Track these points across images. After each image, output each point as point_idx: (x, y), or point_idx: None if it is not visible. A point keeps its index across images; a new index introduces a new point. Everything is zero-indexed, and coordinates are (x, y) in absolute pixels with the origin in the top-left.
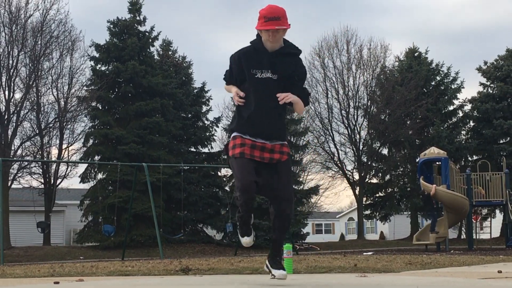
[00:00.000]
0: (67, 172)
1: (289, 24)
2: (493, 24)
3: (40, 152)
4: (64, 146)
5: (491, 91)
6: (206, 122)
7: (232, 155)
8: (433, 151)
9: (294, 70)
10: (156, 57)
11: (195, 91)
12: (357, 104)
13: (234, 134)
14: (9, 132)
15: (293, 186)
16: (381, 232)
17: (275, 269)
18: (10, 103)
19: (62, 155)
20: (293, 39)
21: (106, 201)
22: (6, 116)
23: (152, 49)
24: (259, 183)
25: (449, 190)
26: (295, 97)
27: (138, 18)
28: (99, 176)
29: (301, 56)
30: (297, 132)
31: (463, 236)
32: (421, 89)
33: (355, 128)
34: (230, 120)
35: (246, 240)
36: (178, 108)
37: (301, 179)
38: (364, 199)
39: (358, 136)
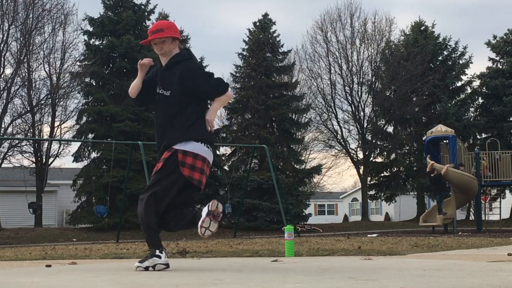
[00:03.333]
0: (59, 151)
1: (175, 33)
2: None
3: (31, 130)
4: (57, 123)
5: (500, 67)
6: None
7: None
8: (440, 129)
9: (181, 78)
10: None
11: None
12: (361, 80)
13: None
14: None
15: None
16: (386, 213)
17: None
18: (0, 79)
19: (54, 133)
20: (296, 12)
21: (100, 181)
22: None
23: (148, 22)
24: None
25: (457, 170)
26: (211, 115)
27: None
28: (93, 155)
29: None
30: (299, 109)
31: (472, 217)
32: (427, 65)
33: (359, 105)
34: None
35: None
36: None
37: (303, 158)
38: (369, 178)
39: (362, 113)
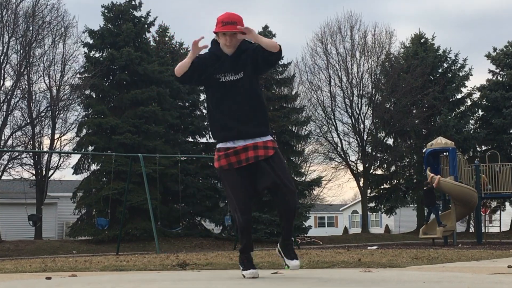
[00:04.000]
0: (59, 163)
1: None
2: (506, 9)
3: (31, 142)
4: (57, 136)
5: (500, 79)
6: (204, 111)
7: (220, 166)
8: (440, 141)
9: (253, 54)
10: (152, 43)
11: None
12: (361, 92)
13: (218, 145)
14: None
15: (291, 177)
16: (386, 226)
17: (289, 259)
18: (0, 91)
19: (54, 145)
20: (296, 24)
21: (100, 193)
22: None
23: (148, 35)
24: (259, 186)
25: (456, 182)
26: (256, 34)
27: (133, 2)
28: (93, 167)
29: (303, 42)
30: (299, 122)
31: (472, 229)
32: (427, 77)
33: (359, 117)
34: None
35: (251, 272)
36: (175, 97)
37: (303, 170)
38: (369, 191)
39: (362, 125)
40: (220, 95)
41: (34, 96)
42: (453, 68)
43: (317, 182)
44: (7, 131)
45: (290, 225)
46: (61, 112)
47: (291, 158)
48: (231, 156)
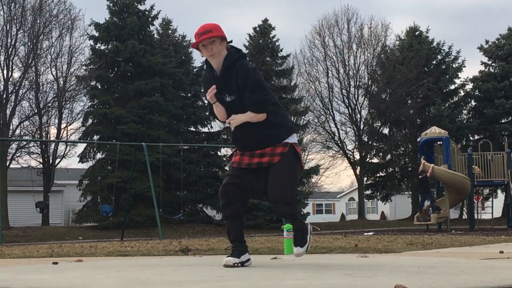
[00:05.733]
0: (65, 152)
1: (223, 34)
2: (498, 2)
3: (38, 132)
4: (63, 125)
5: (492, 70)
6: (205, 101)
7: (232, 162)
8: (434, 131)
9: (241, 81)
10: (155, 36)
11: (194, 70)
12: (357, 83)
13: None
14: (8, 112)
15: (293, 186)
16: (382, 212)
17: (294, 245)
18: (9, 82)
19: (61, 135)
20: (295, 17)
21: (105, 181)
22: (4, 96)
23: (151, 28)
24: (256, 188)
25: (450, 170)
26: (240, 117)
27: None
28: (98, 156)
29: (301, 36)
30: (298, 112)
31: (465, 216)
32: (422, 68)
33: (356, 107)
34: None
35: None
36: (178, 88)
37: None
38: (365, 179)
39: (358, 115)
40: (229, 113)
41: (41, 87)
42: (446, 60)
43: (315, 170)
44: (15, 121)
45: (291, 222)
46: (68, 102)
47: None
48: (237, 156)
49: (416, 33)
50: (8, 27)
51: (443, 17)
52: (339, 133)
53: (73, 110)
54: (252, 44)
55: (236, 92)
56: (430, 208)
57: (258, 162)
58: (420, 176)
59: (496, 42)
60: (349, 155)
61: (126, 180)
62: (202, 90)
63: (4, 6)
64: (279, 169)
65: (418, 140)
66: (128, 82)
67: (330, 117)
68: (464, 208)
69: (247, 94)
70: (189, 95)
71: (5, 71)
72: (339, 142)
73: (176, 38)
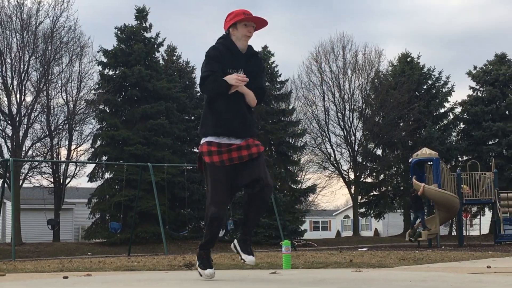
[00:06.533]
0: (75, 172)
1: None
2: (486, 29)
3: (50, 153)
4: (73, 147)
5: (480, 95)
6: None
7: (211, 162)
8: (425, 152)
9: (259, 69)
10: (161, 62)
11: (198, 94)
12: (352, 107)
13: (208, 139)
14: (21, 134)
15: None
16: (376, 229)
17: (246, 254)
18: (22, 106)
19: (71, 156)
20: (293, 44)
21: (113, 199)
22: (17, 118)
23: (157, 54)
24: (240, 181)
25: (439, 189)
26: (246, 88)
27: (144, 24)
28: (106, 175)
29: (299, 61)
30: (295, 134)
31: (454, 232)
32: (413, 93)
33: (351, 129)
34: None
35: (209, 272)
36: (182, 111)
37: (299, 178)
38: (359, 197)
39: (353, 137)
40: (233, 94)
41: (52, 110)
42: (437, 84)
43: (312, 189)
44: (27, 143)
45: (257, 221)
46: (77, 125)
47: (288, 167)
48: (224, 153)
49: (408, 59)
50: (21, 53)
51: (434, 43)
52: (334, 154)
53: (83, 132)
54: None
55: (250, 75)
56: (421, 226)
57: (249, 154)
58: (412, 194)
59: (484, 67)
60: (344, 175)
61: (133, 199)
62: (210, 63)
63: (17, 34)
64: (262, 157)
65: (410, 160)
66: (134, 106)
67: (326, 139)
68: (453, 225)
69: (257, 78)
70: (193, 118)
71: (18, 95)
72: (334, 162)
73: (181, 64)
